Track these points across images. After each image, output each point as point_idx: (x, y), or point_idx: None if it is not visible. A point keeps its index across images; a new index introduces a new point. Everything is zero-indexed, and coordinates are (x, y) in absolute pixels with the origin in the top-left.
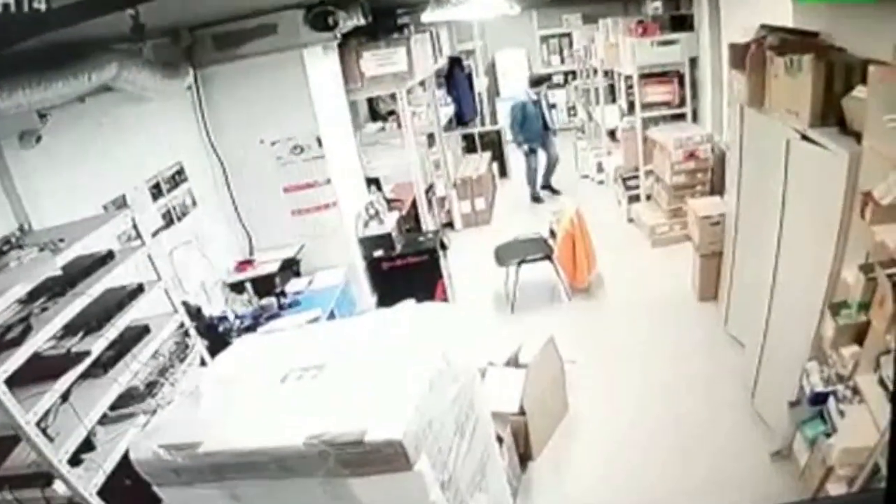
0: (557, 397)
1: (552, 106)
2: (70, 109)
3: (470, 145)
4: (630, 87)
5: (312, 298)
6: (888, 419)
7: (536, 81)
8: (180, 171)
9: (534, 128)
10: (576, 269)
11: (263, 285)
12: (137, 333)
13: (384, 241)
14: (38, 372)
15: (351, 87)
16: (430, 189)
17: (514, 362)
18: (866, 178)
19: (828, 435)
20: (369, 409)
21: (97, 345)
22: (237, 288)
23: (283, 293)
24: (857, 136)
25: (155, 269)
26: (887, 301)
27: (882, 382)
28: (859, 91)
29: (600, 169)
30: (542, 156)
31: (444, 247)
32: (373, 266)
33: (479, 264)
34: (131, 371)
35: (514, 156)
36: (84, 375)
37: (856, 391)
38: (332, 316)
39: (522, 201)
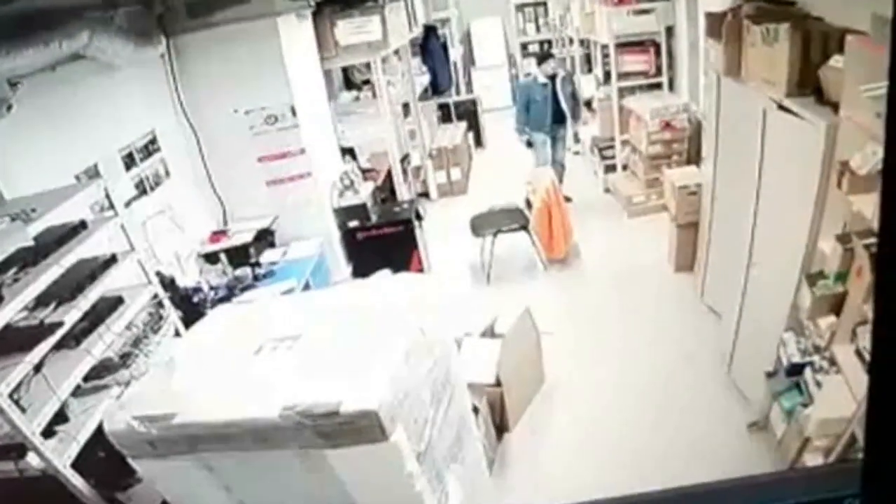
0: (534, 368)
1: (571, 91)
2: (41, 78)
3: (445, 115)
4: (606, 56)
5: (287, 269)
6: (865, 390)
7: (543, 57)
8: (153, 141)
9: (541, 114)
10: (552, 240)
11: (238, 256)
12: (111, 304)
13: (359, 211)
14: (11, 343)
15: (325, 56)
16: (405, 159)
17: (490, 333)
18: (843, 148)
19: (805, 406)
20: (345, 381)
21: (70, 316)
22: (211, 258)
23: (257, 264)
24: (835, 106)
25: (128, 239)
26: (864, 271)
27: (859, 353)
28: (836, 61)
29: (577, 139)
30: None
31: (419, 217)
32: (348, 236)
33: (455, 234)
34: (105, 342)
35: (490, 126)
36: (57, 347)
37: (833, 362)
38: (307, 287)
39: (499, 172)
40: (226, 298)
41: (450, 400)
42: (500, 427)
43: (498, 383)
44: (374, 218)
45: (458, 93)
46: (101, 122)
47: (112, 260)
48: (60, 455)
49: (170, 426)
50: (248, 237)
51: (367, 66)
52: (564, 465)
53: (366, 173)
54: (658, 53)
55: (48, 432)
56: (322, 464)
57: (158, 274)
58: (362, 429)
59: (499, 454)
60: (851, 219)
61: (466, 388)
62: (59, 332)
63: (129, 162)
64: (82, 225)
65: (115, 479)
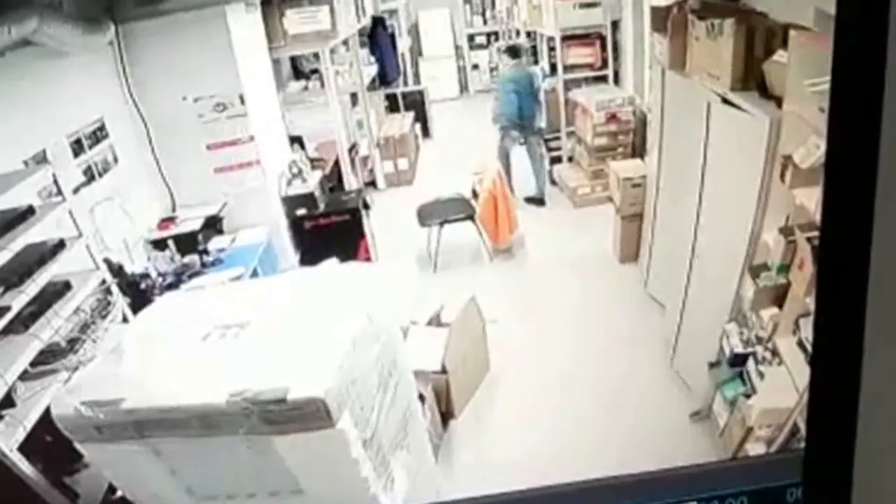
0: (479, 356)
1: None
2: None
3: (393, 105)
4: (552, 48)
5: (235, 256)
6: (807, 381)
7: (513, 50)
8: (102, 128)
9: (510, 105)
10: (498, 230)
11: (186, 243)
12: (58, 290)
13: (307, 199)
14: None
15: (274, 46)
16: (353, 148)
17: (436, 321)
18: (786, 142)
19: (747, 396)
20: (292, 368)
21: (18, 300)
22: (160, 245)
23: (205, 251)
24: (778, 101)
25: (76, 225)
26: (807, 264)
27: (801, 344)
28: (780, 56)
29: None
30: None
31: (366, 206)
32: (296, 225)
33: (402, 224)
34: (52, 327)
35: (437, 117)
36: (4, 331)
37: (775, 353)
38: (254, 274)
39: (446, 162)
40: (174, 285)
41: (396, 387)
42: (446, 414)
43: (444, 371)
44: (321, 206)
45: (405, 83)
46: (49, 109)
47: (60, 245)
48: (7, 439)
49: (117, 411)
50: (196, 224)
51: (316, 55)
52: (509, 452)
53: (314, 162)
54: (604, 47)
55: None
56: (269, 450)
57: (107, 260)
58: (309, 415)
59: (444, 441)
60: (794, 212)
61: (412, 376)
62: (7, 317)
63: (78, 148)
64: (30, 210)
65: (63, 463)
